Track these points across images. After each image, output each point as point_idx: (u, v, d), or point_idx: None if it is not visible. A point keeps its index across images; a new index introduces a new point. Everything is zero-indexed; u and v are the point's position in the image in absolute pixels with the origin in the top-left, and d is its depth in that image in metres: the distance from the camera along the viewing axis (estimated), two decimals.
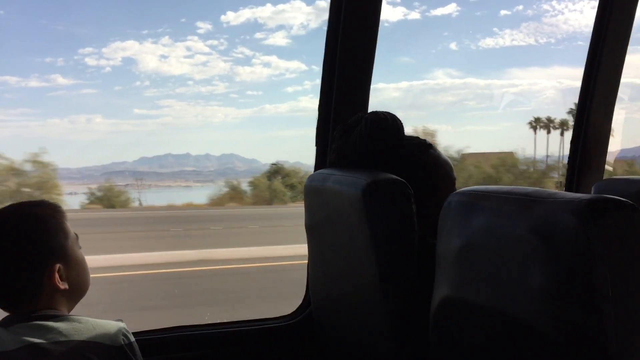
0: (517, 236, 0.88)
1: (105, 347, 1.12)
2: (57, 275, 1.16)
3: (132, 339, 1.17)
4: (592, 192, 1.88)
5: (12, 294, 1.16)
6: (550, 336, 0.82)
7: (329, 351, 1.62)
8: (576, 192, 2.13)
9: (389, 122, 1.36)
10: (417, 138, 1.44)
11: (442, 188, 1.39)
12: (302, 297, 1.86)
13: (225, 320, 1.82)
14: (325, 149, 1.77)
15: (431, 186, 1.37)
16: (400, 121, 1.38)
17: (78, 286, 1.21)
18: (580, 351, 0.80)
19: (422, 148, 1.41)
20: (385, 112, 1.38)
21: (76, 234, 1.23)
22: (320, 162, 1.80)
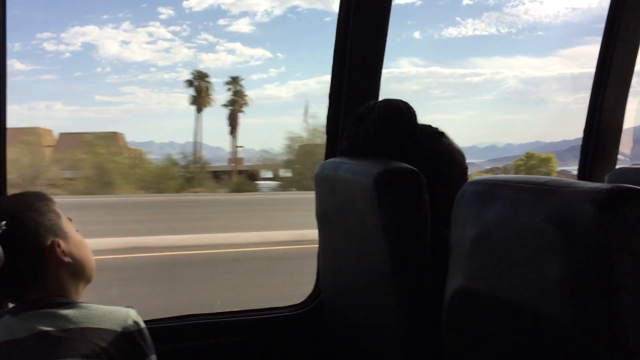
0: (534, 226, 0.86)
1: (115, 334, 1.12)
2: (57, 250, 1.16)
3: (143, 325, 1.17)
4: (605, 181, 1.85)
5: (17, 279, 1.16)
6: (567, 329, 0.81)
7: (339, 341, 1.61)
8: (589, 181, 2.11)
9: (403, 110, 1.34)
10: (430, 126, 1.42)
11: (454, 177, 1.37)
12: (312, 287, 1.85)
13: (235, 310, 1.82)
14: (335, 137, 1.76)
15: (443, 175, 1.35)
16: (413, 109, 1.36)
17: (82, 263, 1.22)
18: (598, 344, 0.78)
19: (435, 136, 1.40)
20: (398, 99, 1.36)
21: (69, 218, 1.25)
22: (330, 150, 1.78)
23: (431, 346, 1.17)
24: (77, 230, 1.25)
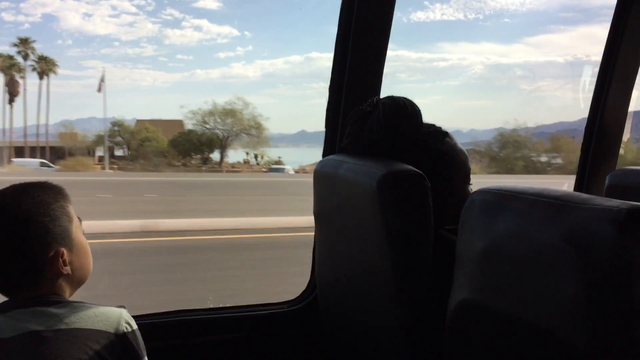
0: (548, 243, 0.82)
1: (108, 335, 1.09)
2: (60, 260, 1.12)
3: (135, 326, 1.14)
4: (606, 182, 1.82)
5: (13, 279, 1.11)
6: (580, 351, 0.78)
7: (333, 338, 1.59)
8: (589, 181, 2.08)
9: (408, 109, 1.30)
10: (433, 126, 1.38)
11: (458, 178, 1.34)
12: (306, 283, 1.82)
13: (228, 305, 1.79)
14: (335, 133, 1.71)
15: (447, 176, 1.32)
16: (418, 108, 1.32)
17: (81, 272, 1.17)
18: None
19: (439, 137, 1.35)
20: (403, 97, 1.32)
21: (79, 218, 1.19)
22: (329, 146, 1.73)
23: (430, 350, 1.15)
24: (83, 233, 1.20)
